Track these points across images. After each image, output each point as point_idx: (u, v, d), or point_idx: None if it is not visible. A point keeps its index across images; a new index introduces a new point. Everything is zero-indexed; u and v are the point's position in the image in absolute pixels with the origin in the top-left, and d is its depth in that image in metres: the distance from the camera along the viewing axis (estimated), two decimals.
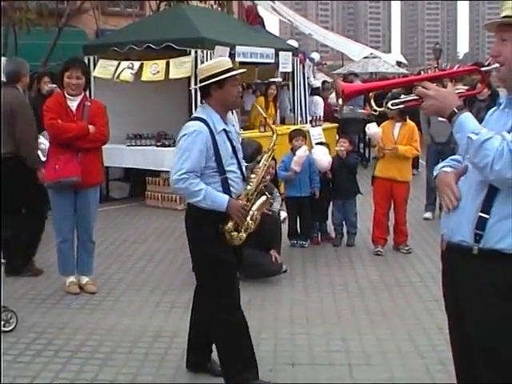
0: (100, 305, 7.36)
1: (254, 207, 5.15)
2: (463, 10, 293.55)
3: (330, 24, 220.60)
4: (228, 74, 5.06)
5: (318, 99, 17.47)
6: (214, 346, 5.46)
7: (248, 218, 5.10)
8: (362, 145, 18.53)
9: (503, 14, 3.35)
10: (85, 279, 7.78)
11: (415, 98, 3.38)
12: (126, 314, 7.09)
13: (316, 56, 17.57)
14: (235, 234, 5.08)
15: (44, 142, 8.24)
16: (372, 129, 9.64)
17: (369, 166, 15.99)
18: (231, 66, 5.14)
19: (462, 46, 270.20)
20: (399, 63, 31.92)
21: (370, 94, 3.45)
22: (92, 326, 6.67)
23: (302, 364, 5.86)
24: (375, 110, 3.48)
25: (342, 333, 6.52)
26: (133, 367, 5.76)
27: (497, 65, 3.36)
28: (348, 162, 9.90)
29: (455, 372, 3.76)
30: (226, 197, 4.99)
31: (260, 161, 5.27)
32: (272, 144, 5.19)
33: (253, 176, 5.22)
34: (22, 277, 8.15)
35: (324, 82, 20.01)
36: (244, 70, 5.71)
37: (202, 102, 11.69)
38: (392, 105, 3.42)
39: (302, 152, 9.72)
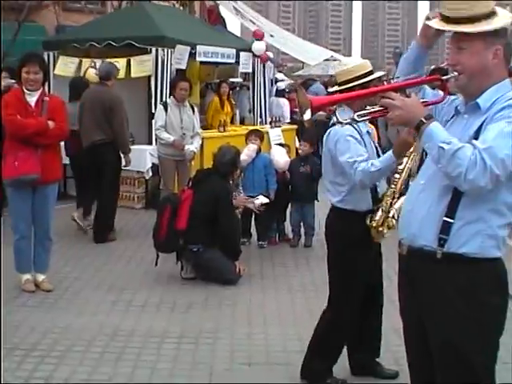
0: (56, 303, 7.31)
1: (397, 205, 5.14)
2: (424, 14, 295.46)
3: (292, 26, 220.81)
4: (372, 77, 5.10)
5: (283, 101, 17.49)
6: None
7: (390, 215, 5.10)
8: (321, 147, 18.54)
9: (448, 14, 3.38)
10: (41, 277, 7.72)
11: (381, 108, 3.39)
12: (83, 312, 7.05)
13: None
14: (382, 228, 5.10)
15: None
16: None
17: None
18: (371, 68, 5.19)
19: None
20: None
21: (335, 106, 3.46)
22: (48, 325, 6.63)
23: (259, 364, 5.89)
24: (341, 122, 3.48)
25: (299, 333, 6.53)
26: (89, 366, 5.73)
27: (456, 73, 3.39)
28: (308, 169, 9.92)
29: (410, 373, 3.80)
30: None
31: (402, 163, 5.26)
32: (411, 149, 5.10)
33: (397, 176, 5.24)
34: None
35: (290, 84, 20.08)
36: None
37: (161, 101, 11.75)
38: (358, 116, 3.40)
39: (248, 149, 9.77)
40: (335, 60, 27.64)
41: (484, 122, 3.31)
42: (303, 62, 30.53)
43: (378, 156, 5.28)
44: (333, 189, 5.28)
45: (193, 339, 6.38)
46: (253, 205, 9.10)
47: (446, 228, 3.33)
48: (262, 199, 9.28)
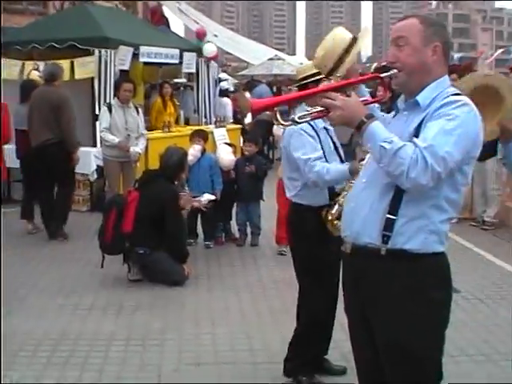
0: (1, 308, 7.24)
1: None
2: (367, 13, 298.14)
3: (236, 26, 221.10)
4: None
5: (226, 100, 17.51)
6: None
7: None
8: (266, 146, 18.64)
9: None
10: None
11: (322, 109, 3.35)
12: (29, 316, 7.00)
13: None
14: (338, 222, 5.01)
15: None
16: (276, 130, 9.72)
17: (273, 168, 16.13)
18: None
19: (365, 49, 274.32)
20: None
21: (275, 108, 3.42)
22: None
23: (207, 363, 5.90)
24: (282, 124, 3.45)
25: (247, 332, 6.59)
26: (36, 371, 5.70)
27: (395, 70, 3.40)
28: (253, 169, 9.97)
29: (356, 369, 3.81)
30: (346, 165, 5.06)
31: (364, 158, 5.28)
32: None
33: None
34: None
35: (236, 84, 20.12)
36: None
37: (105, 102, 11.69)
38: (299, 118, 3.36)
39: (194, 149, 9.81)
40: (279, 59, 27.71)
41: (424, 119, 3.33)
42: (247, 62, 30.54)
43: (338, 153, 5.35)
44: (289, 184, 5.36)
45: (140, 341, 6.37)
46: (199, 203, 9.11)
47: (389, 225, 3.34)
48: (207, 196, 9.28)
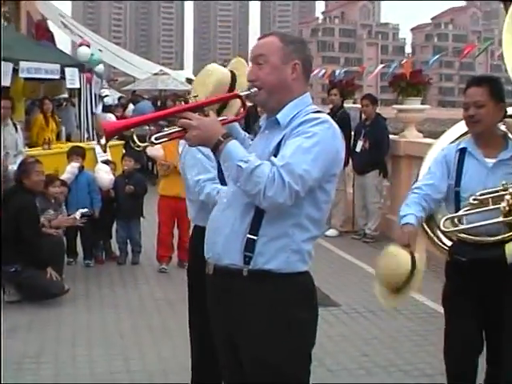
0: None
1: None
2: (254, 30, 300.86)
3: (123, 40, 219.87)
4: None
5: (109, 116, 17.33)
6: None
7: None
8: (150, 162, 18.47)
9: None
10: None
11: (179, 129, 3.27)
12: None
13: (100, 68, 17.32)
14: None
15: None
16: (152, 150, 9.57)
17: (157, 183, 16.02)
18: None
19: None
20: (189, 80, 32.19)
21: (132, 129, 3.34)
22: None
23: None
24: (138, 146, 3.38)
25: (124, 353, 6.51)
26: None
27: (255, 89, 3.40)
28: (132, 187, 9.88)
29: None
30: None
31: None
32: None
33: None
34: None
35: (120, 98, 19.92)
36: None
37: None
38: (156, 139, 3.28)
39: (72, 167, 9.66)
40: (164, 74, 27.67)
41: (283, 137, 3.33)
42: (134, 77, 30.39)
43: None
44: (189, 205, 5.17)
45: (15, 365, 6.19)
46: (73, 221, 8.92)
47: (250, 245, 3.31)
48: (80, 211, 9.02)
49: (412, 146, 11.76)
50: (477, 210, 4.33)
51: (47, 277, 7.97)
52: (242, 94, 3.45)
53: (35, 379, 5.91)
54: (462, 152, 4.56)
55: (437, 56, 17.26)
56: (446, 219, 4.51)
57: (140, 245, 9.99)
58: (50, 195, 8.78)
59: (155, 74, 27.27)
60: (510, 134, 4.52)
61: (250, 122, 3.65)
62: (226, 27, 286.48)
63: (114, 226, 10.17)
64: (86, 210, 9.14)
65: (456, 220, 4.48)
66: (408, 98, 12.10)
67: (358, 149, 11.64)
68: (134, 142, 3.28)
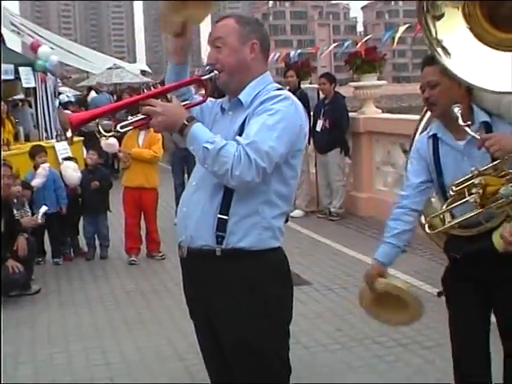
0: None
1: None
2: (206, 19, 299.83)
3: (74, 36, 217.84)
4: None
5: (67, 113, 17.19)
6: None
7: None
8: (111, 155, 18.39)
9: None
10: None
11: (143, 116, 3.29)
12: None
13: (54, 59, 17.09)
14: None
15: None
16: (104, 141, 9.50)
17: (119, 177, 15.99)
18: None
19: (207, 53, 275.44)
20: (143, 72, 32.09)
21: (97, 120, 3.34)
22: None
23: (63, 383, 5.78)
24: (104, 136, 3.39)
25: (101, 346, 6.51)
26: None
27: (216, 72, 3.42)
28: (98, 179, 9.83)
29: (208, 375, 3.80)
30: None
31: None
32: None
33: None
34: None
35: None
36: None
37: None
38: (121, 127, 3.29)
39: (44, 169, 9.60)
40: (118, 68, 27.53)
41: (247, 117, 3.36)
42: (88, 72, 30.20)
43: None
44: None
45: None
46: (36, 221, 8.81)
47: (221, 225, 3.34)
48: (42, 209, 8.91)
49: (372, 122, 11.87)
50: (454, 205, 3.85)
51: (12, 271, 7.88)
52: (203, 77, 3.45)
53: (15, 380, 5.89)
54: (435, 139, 4.01)
55: (390, 32, 17.28)
56: (432, 217, 4.03)
57: (108, 239, 9.96)
58: (12, 195, 8.67)
59: (109, 69, 27.12)
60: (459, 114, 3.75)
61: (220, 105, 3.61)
62: None
63: (81, 221, 10.13)
64: (46, 208, 9.04)
65: (441, 217, 4.01)
66: (364, 74, 12.17)
67: (318, 128, 11.68)
68: (99, 132, 3.28)
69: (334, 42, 56.13)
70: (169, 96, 3.39)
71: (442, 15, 3.49)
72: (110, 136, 3.37)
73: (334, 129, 11.52)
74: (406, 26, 14.85)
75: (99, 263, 9.66)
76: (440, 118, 3.99)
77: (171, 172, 12.10)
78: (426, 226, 4.07)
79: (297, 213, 11.96)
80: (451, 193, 3.85)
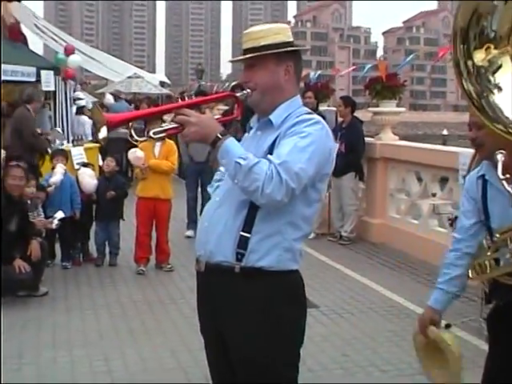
0: None
1: None
2: (226, 32, 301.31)
3: (96, 43, 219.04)
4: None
5: (84, 118, 17.24)
6: None
7: None
8: (124, 164, 18.42)
9: (245, 47, 3.48)
10: None
11: (176, 125, 3.34)
12: None
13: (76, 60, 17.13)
14: None
15: None
16: (133, 154, 9.56)
17: (132, 186, 16.03)
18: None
19: (226, 67, 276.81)
20: (163, 83, 32.13)
21: (130, 123, 3.40)
22: None
23: None
24: (136, 140, 3.42)
25: (105, 353, 6.52)
26: None
27: (248, 90, 3.46)
28: (114, 187, 9.89)
29: None
30: None
31: None
32: None
33: None
34: None
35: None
36: None
37: None
38: (154, 133, 3.35)
39: (57, 169, 9.66)
40: (138, 77, 27.55)
41: (277, 137, 3.39)
42: (107, 79, 30.24)
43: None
44: None
45: None
46: (49, 224, 8.86)
47: (243, 242, 3.35)
48: (58, 214, 9.03)
49: (388, 149, 11.86)
50: (495, 254, 3.63)
51: (18, 271, 7.88)
52: (237, 94, 3.50)
53: (17, 380, 5.90)
54: (484, 180, 3.83)
55: (410, 57, 17.27)
56: (478, 261, 3.79)
57: (118, 247, 9.99)
58: (25, 196, 8.69)
59: (129, 77, 27.14)
60: None
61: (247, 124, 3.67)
62: (198, 31, 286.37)
63: (93, 227, 10.16)
64: (63, 215, 9.10)
65: (483, 264, 3.76)
66: (383, 100, 12.18)
67: None
68: (131, 136, 3.33)
69: (354, 65, 56.19)
70: (202, 108, 3.43)
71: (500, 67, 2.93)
72: (142, 141, 3.43)
73: (349, 153, 11.49)
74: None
75: (108, 270, 9.69)
76: (488, 160, 3.77)
77: (185, 185, 12.13)
78: (470, 270, 3.88)
79: None
80: (496, 240, 3.66)
